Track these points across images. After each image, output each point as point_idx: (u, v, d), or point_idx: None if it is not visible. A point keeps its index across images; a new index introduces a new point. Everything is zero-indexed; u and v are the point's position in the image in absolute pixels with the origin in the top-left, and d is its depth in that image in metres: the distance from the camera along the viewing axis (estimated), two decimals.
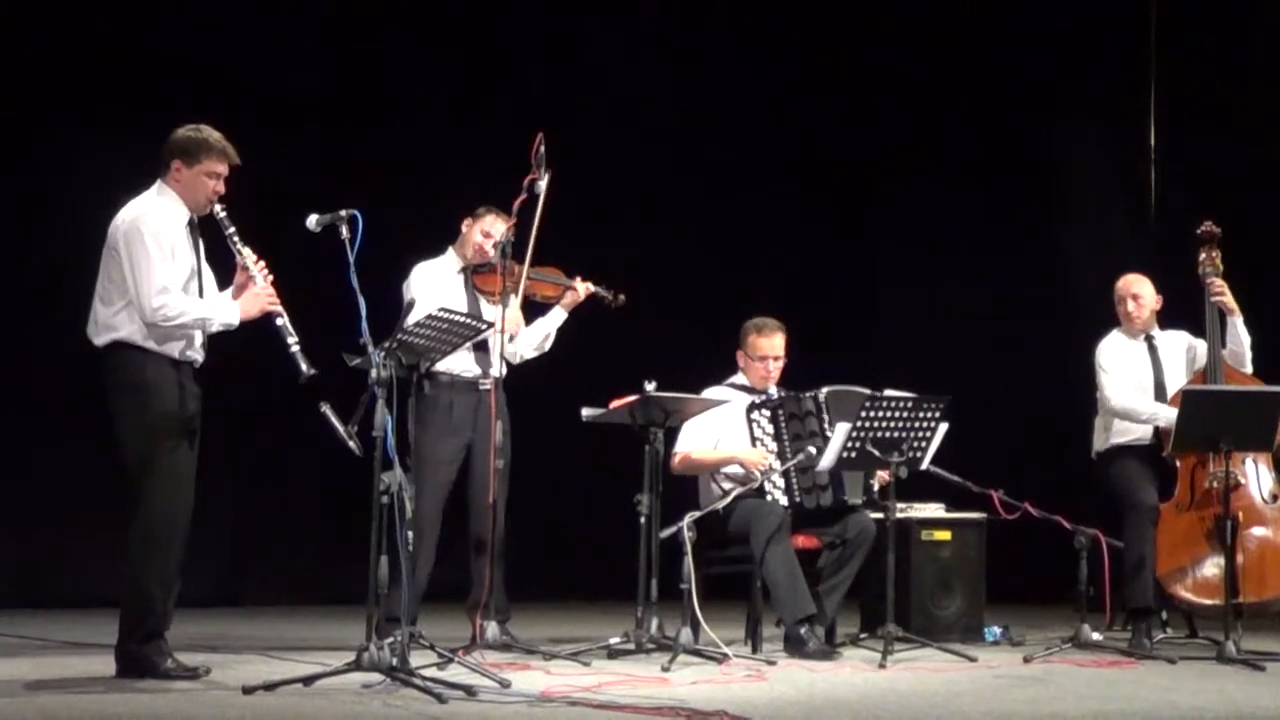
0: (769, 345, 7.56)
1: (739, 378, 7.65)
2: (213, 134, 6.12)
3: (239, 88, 9.43)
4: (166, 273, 5.93)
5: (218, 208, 6.08)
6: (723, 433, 7.47)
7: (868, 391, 7.17)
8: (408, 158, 10.14)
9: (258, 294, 6.05)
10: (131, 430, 5.94)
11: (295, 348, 5.96)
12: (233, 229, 6.08)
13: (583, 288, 7.49)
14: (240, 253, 6.09)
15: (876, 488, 7.44)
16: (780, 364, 7.59)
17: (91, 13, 9.51)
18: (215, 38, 9.67)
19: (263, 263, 6.11)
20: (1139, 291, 7.76)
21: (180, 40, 9.62)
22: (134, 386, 5.93)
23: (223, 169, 6.10)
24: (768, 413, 7.42)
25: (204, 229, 6.16)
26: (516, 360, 7.41)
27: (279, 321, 6.02)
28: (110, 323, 5.97)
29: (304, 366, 5.92)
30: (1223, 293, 7.51)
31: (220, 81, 9.40)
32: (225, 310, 6.05)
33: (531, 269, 7.27)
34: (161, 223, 5.98)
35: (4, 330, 9.13)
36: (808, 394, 7.40)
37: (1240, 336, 7.55)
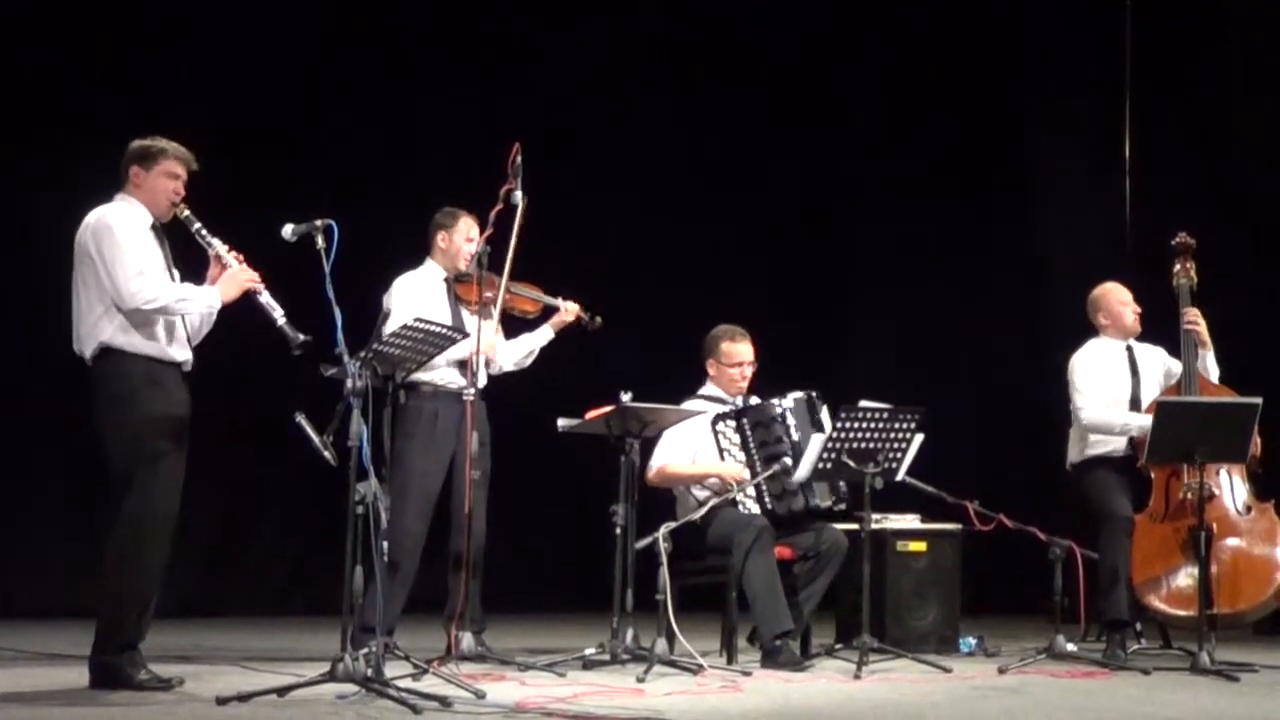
0: (742, 351, 7.57)
1: (708, 389, 7.64)
2: (168, 141, 6.12)
3: (217, 97, 9.43)
4: (140, 258, 5.91)
5: (182, 211, 6.06)
6: (699, 445, 7.47)
7: (812, 394, 7.32)
8: (384, 165, 10.13)
9: (233, 274, 6.02)
10: (118, 440, 5.89)
11: (282, 320, 5.93)
12: (199, 224, 6.06)
13: (570, 308, 7.48)
14: (210, 244, 6.07)
15: (844, 488, 7.41)
16: (752, 369, 7.60)
17: (77, 17, 9.49)
18: (194, 48, 9.67)
19: (235, 252, 6.09)
20: (1127, 299, 7.78)
21: (156, 51, 9.61)
22: (121, 393, 5.89)
23: (180, 171, 6.09)
24: (732, 423, 7.42)
25: (170, 236, 6.13)
26: (495, 371, 7.40)
27: (261, 298, 5.99)
28: (93, 331, 5.94)
29: (295, 334, 5.88)
30: (1196, 323, 7.53)
31: (197, 91, 9.41)
32: (205, 292, 6.01)
33: (510, 283, 7.27)
34: (127, 221, 5.97)
35: None
36: (773, 401, 7.40)
37: (1210, 369, 7.58)
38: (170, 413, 5.96)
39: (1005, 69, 11.29)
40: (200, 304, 6.00)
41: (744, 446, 7.37)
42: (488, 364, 7.20)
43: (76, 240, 5.99)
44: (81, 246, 5.98)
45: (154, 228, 6.08)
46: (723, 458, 7.41)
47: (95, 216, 6.00)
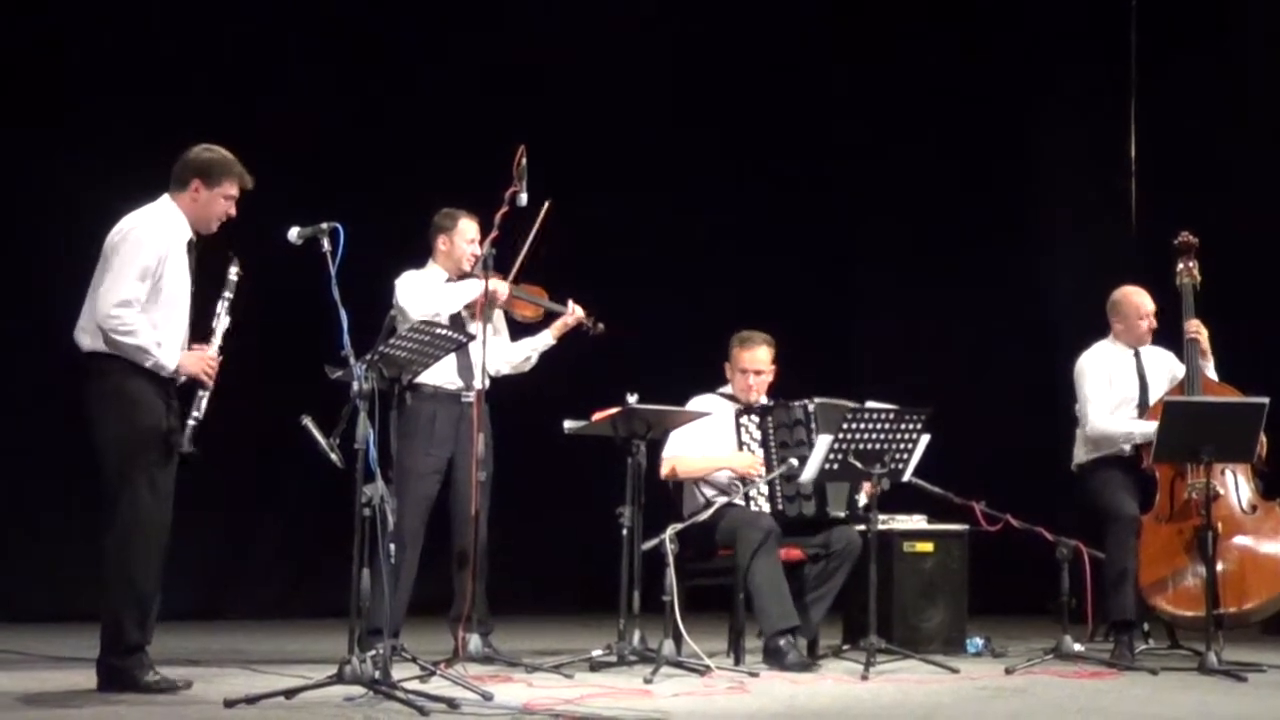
0: (750, 359, 7.51)
1: (728, 387, 7.63)
2: (229, 156, 6.12)
3: (224, 96, 9.44)
4: (138, 290, 5.89)
5: (234, 270, 6.09)
6: (710, 440, 7.45)
7: (854, 405, 7.17)
8: (391, 168, 10.13)
9: (203, 358, 6.03)
10: (111, 439, 5.90)
11: (193, 422, 5.94)
12: (229, 294, 6.09)
13: (573, 310, 7.44)
14: (219, 316, 6.09)
15: (862, 502, 7.40)
16: (764, 378, 7.53)
17: (75, 16, 9.49)
18: (200, 46, 9.68)
19: (222, 345, 6.09)
20: (1153, 308, 7.74)
21: (165, 49, 9.62)
22: (116, 396, 5.90)
23: (236, 192, 6.10)
24: (756, 419, 7.42)
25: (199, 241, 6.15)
26: (493, 373, 7.36)
27: (200, 392, 6.00)
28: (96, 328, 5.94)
29: (185, 442, 5.90)
30: (1198, 334, 7.52)
31: (206, 89, 9.42)
32: (167, 356, 5.96)
33: (512, 287, 7.26)
34: (163, 241, 5.96)
35: None
36: (797, 403, 7.40)
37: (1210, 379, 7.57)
38: (163, 420, 5.95)
39: (1007, 68, 11.27)
40: (151, 362, 5.93)
41: (764, 444, 7.38)
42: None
43: (109, 236, 5.99)
44: (110, 245, 5.97)
45: (189, 243, 6.08)
46: (741, 450, 7.41)
47: (131, 224, 5.99)
